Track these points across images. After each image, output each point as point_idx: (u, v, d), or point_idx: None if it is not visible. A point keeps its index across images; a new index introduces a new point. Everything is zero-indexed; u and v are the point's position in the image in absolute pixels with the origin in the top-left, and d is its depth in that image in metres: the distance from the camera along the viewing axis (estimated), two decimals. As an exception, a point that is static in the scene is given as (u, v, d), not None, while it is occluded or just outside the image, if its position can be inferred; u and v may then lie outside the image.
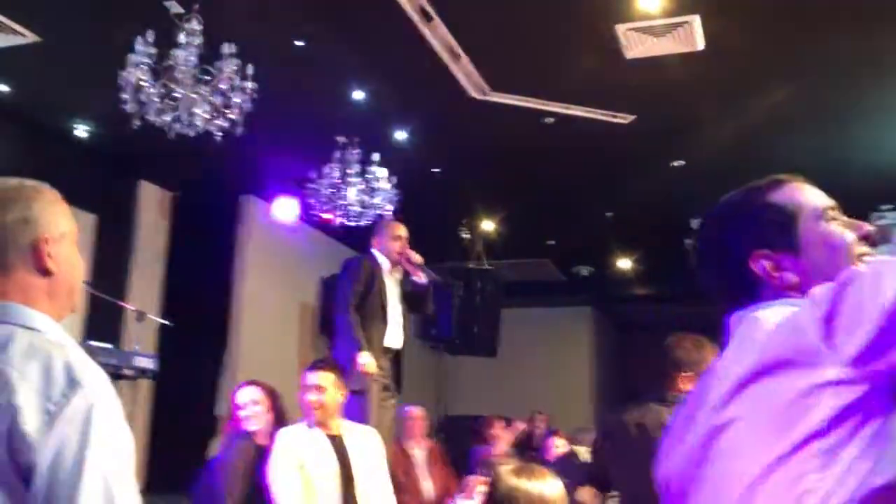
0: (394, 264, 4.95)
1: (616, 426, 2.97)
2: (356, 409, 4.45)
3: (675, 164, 6.83)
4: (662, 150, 6.61)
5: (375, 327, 4.74)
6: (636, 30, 4.77)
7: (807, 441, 0.92)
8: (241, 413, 3.76)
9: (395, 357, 4.92)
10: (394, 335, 4.84)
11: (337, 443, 3.58)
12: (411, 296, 5.06)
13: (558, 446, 6.36)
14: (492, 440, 6.94)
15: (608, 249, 9.57)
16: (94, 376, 1.27)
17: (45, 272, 1.38)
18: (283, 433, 3.55)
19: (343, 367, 4.41)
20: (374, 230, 5.16)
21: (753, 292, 1.20)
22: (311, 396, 3.59)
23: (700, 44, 4.84)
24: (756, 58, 5.11)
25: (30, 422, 1.19)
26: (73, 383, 1.23)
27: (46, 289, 1.39)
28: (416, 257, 4.95)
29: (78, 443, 1.21)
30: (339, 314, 4.76)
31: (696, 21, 4.62)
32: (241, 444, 3.67)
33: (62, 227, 1.43)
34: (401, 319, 4.91)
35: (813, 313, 0.96)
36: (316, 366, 3.75)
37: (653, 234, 8.54)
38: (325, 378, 3.63)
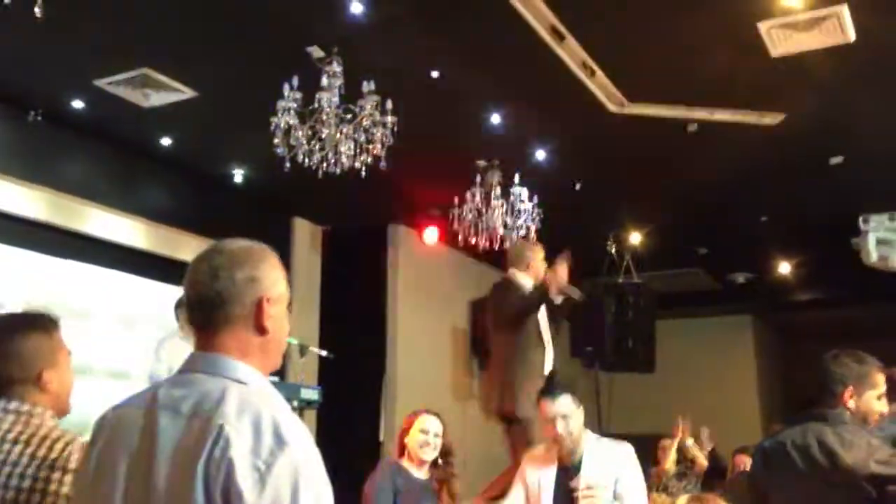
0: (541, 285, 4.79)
1: (775, 450, 2.81)
2: (521, 439, 4.38)
3: (833, 160, 6.46)
4: (817, 148, 6.28)
5: (534, 352, 4.65)
6: (780, 26, 4.57)
7: None
8: (424, 439, 3.72)
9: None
10: (550, 359, 4.76)
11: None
12: (551, 313, 4.92)
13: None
14: (661, 458, 6.78)
15: (766, 255, 9.16)
16: (298, 432, 1.33)
17: (263, 330, 1.46)
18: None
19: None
20: (520, 253, 5.04)
21: None
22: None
23: (851, 35, 4.57)
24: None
25: (244, 479, 1.26)
26: (280, 441, 1.29)
27: (260, 345, 1.46)
28: (561, 272, 4.72)
29: (289, 502, 1.26)
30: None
31: (843, 11, 4.37)
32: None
33: (281, 290, 1.52)
34: (552, 343, 4.83)
35: None
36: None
37: (814, 236, 8.10)
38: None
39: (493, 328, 4.86)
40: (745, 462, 6.18)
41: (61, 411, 2.04)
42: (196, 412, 1.34)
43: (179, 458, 1.31)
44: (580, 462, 3.41)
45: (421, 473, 3.72)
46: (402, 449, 3.79)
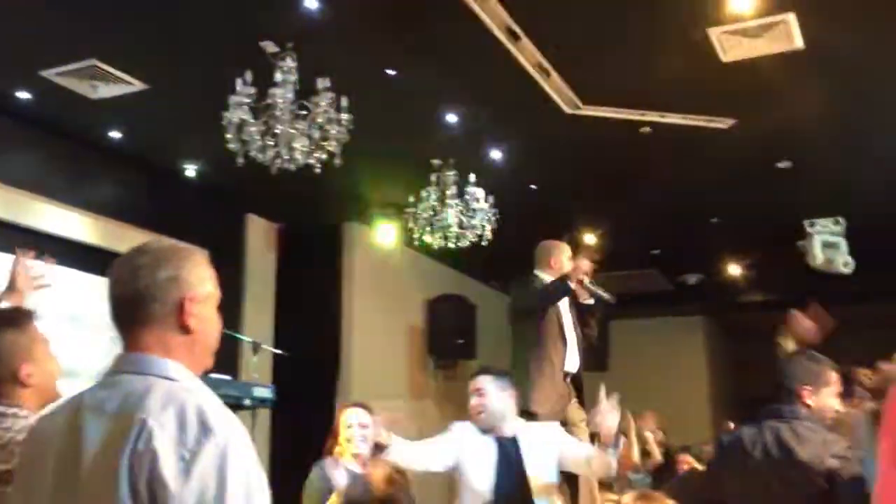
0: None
1: (733, 445, 2.89)
2: None
3: (781, 165, 6.60)
4: (766, 153, 6.40)
5: (554, 348, 4.52)
6: (730, 32, 4.65)
7: None
8: (349, 432, 3.77)
9: (574, 381, 4.65)
10: (572, 358, 4.61)
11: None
12: (579, 316, 4.76)
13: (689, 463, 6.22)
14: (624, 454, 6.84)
15: (716, 256, 9.32)
16: (225, 422, 1.32)
17: (187, 330, 1.45)
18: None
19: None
20: (544, 252, 4.89)
21: None
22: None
23: (798, 42, 4.67)
24: (859, 52, 4.89)
25: (168, 467, 1.25)
26: (206, 430, 1.29)
27: (185, 345, 1.45)
28: (584, 277, 4.55)
29: (216, 490, 1.26)
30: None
31: (791, 19, 4.47)
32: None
33: (208, 289, 1.50)
34: (577, 341, 4.66)
35: None
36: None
37: (763, 238, 8.26)
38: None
39: (515, 325, 4.73)
40: (689, 461, 6.28)
41: (50, 400, 2.02)
42: (120, 410, 1.33)
43: (103, 455, 1.30)
44: (514, 437, 3.56)
45: (359, 468, 3.73)
46: (336, 444, 3.82)
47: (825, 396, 2.79)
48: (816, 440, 2.65)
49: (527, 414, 4.38)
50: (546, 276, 4.73)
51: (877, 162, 6.49)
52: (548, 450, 3.58)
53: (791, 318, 3.53)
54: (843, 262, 7.16)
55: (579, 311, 4.71)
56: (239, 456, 1.30)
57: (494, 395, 3.58)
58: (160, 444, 1.26)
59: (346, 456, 3.77)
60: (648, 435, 6.69)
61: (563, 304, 4.61)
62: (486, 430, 3.56)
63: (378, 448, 3.36)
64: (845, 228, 7.53)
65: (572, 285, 4.42)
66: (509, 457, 3.50)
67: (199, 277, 1.49)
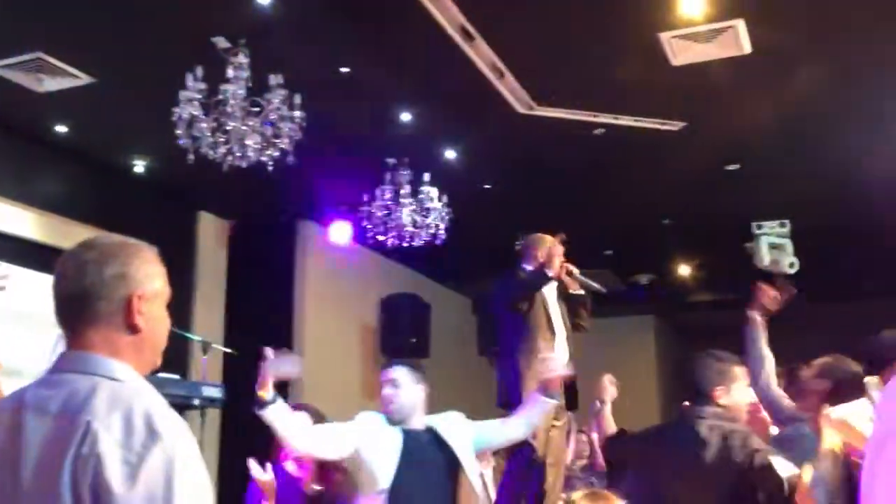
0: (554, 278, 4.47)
1: (646, 439, 3.03)
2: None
3: (730, 167, 6.72)
4: (716, 155, 6.52)
5: (543, 340, 4.39)
6: (681, 37, 4.72)
7: None
8: None
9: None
10: (561, 350, 4.48)
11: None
12: (568, 308, 4.68)
13: None
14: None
15: (668, 257, 9.46)
16: (173, 425, 1.29)
17: (134, 328, 1.41)
18: None
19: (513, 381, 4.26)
20: (528, 244, 4.79)
21: None
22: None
23: (746, 47, 4.76)
24: (804, 56, 5.01)
25: (113, 474, 1.22)
26: (153, 434, 1.26)
27: (132, 344, 1.41)
28: (574, 269, 4.55)
29: (163, 495, 1.23)
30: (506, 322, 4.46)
31: (740, 25, 4.56)
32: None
33: (156, 286, 1.46)
34: (565, 334, 4.58)
35: None
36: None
37: (712, 239, 8.40)
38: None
39: (499, 316, 4.62)
40: None
41: None
42: (63, 411, 1.30)
43: (46, 458, 1.27)
44: (430, 428, 3.49)
45: (302, 471, 3.71)
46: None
47: (737, 393, 2.91)
48: (731, 439, 2.73)
49: (511, 407, 4.33)
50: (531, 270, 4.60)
51: (822, 165, 6.64)
52: (465, 433, 3.52)
53: (758, 289, 3.59)
54: (789, 263, 7.30)
55: (570, 302, 4.64)
56: (186, 461, 1.27)
57: (408, 387, 3.51)
58: (105, 448, 1.23)
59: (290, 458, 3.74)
60: (594, 437, 6.68)
61: (551, 296, 4.52)
62: (393, 422, 3.47)
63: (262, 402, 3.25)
64: (791, 230, 7.69)
65: (550, 273, 4.31)
66: (415, 450, 3.39)
67: (148, 274, 1.45)
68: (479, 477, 3.53)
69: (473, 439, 3.54)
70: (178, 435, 1.29)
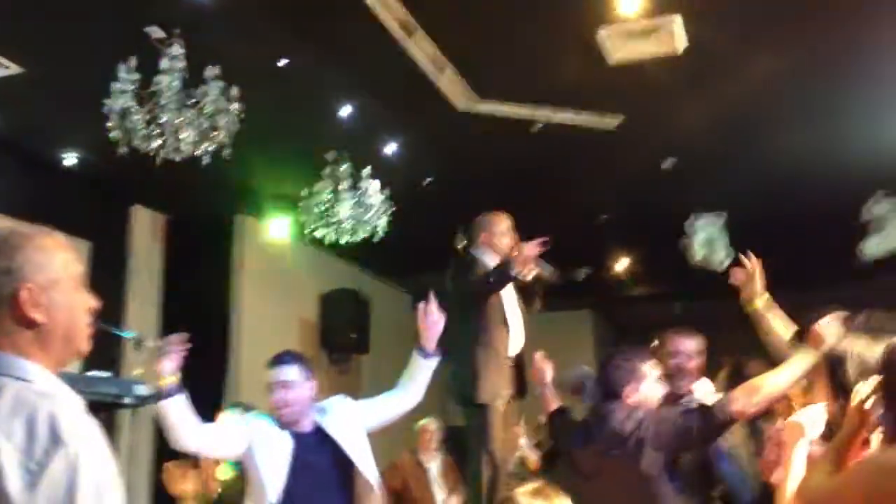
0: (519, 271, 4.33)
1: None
2: (479, 423, 4.19)
3: (667, 163, 6.83)
4: (652, 151, 6.62)
5: (498, 333, 4.31)
6: (617, 33, 4.78)
7: None
8: None
9: (518, 363, 4.47)
10: (516, 340, 4.42)
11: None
12: (521, 292, 4.56)
13: None
14: None
15: (605, 252, 9.57)
16: (78, 431, 1.24)
17: (30, 323, 1.35)
18: None
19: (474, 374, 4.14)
20: (478, 227, 4.66)
21: None
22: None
23: (682, 44, 4.84)
24: (738, 53, 5.12)
25: (12, 482, 1.17)
26: (56, 440, 1.21)
27: (35, 339, 1.35)
28: (528, 250, 4.32)
29: None
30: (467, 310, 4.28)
31: (676, 22, 4.63)
32: None
33: (53, 274, 1.39)
34: (520, 322, 4.48)
35: None
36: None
37: (649, 235, 8.53)
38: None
39: (452, 311, 4.40)
40: None
41: None
42: None
43: None
44: (318, 427, 3.35)
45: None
46: None
47: (646, 390, 2.98)
48: (665, 420, 2.82)
49: (471, 405, 4.26)
50: (485, 257, 4.48)
51: (756, 162, 6.80)
52: (352, 421, 3.40)
53: (733, 272, 3.52)
54: (723, 258, 7.48)
55: (523, 287, 4.51)
56: (91, 469, 1.22)
57: (300, 386, 3.37)
58: (5, 456, 1.18)
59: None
60: (522, 441, 6.59)
61: (507, 287, 4.39)
62: (284, 426, 3.31)
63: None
64: (725, 225, 7.87)
65: (513, 273, 4.18)
66: (306, 455, 3.26)
67: (39, 264, 1.38)
68: (375, 467, 3.39)
69: (364, 423, 3.39)
70: (84, 440, 1.24)
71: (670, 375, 3.29)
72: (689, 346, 3.41)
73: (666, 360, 3.31)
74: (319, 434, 3.33)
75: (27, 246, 1.38)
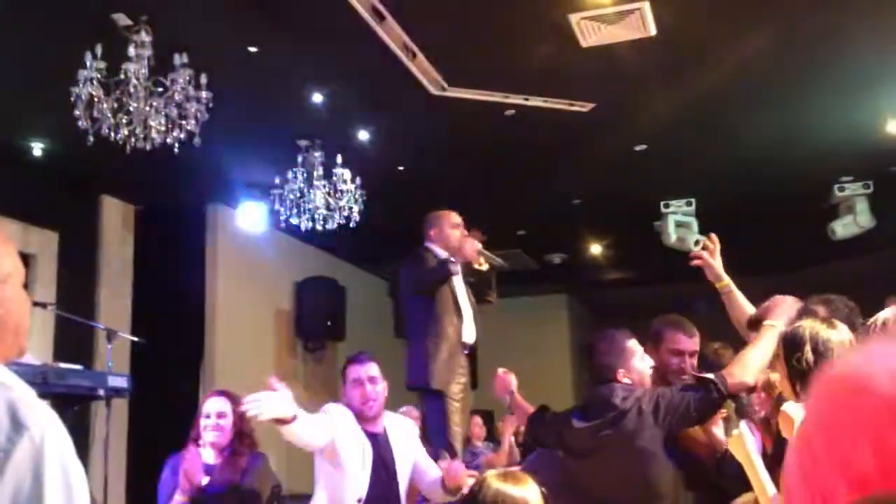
0: (454, 255, 4.46)
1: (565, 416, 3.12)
2: (436, 411, 4.29)
3: (638, 148, 6.87)
4: (624, 136, 6.64)
5: (450, 322, 4.41)
6: (589, 18, 4.78)
7: None
8: (205, 423, 3.63)
9: (472, 353, 4.58)
10: (469, 329, 4.52)
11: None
12: (474, 285, 4.69)
13: None
14: (472, 437, 6.90)
15: (579, 236, 9.63)
16: (39, 416, 1.24)
17: None
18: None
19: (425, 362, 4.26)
20: (429, 222, 4.77)
21: None
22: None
23: (652, 29, 4.86)
24: (708, 39, 5.15)
25: None
26: (18, 426, 1.20)
27: None
28: (479, 245, 4.51)
29: (31, 489, 1.18)
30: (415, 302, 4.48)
31: (646, 7, 4.64)
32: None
33: (7, 268, 1.38)
34: (472, 313, 4.57)
35: None
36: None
37: (622, 219, 8.60)
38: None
39: (406, 300, 4.65)
40: None
41: None
42: None
43: None
44: (384, 430, 3.46)
45: (216, 459, 3.63)
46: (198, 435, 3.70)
47: (636, 367, 3.00)
48: (642, 402, 2.85)
49: (423, 390, 4.38)
50: (437, 249, 4.62)
51: (725, 145, 6.86)
52: (410, 447, 3.54)
53: (693, 255, 3.51)
54: (695, 241, 7.56)
55: (476, 279, 4.65)
56: (56, 452, 1.22)
57: (383, 382, 3.49)
58: None
59: (205, 445, 3.66)
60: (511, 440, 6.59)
61: (457, 277, 4.50)
62: (362, 420, 3.38)
63: (280, 423, 3.09)
64: (696, 209, 7.95)
65: (454, 269, 4.32)
66: (383, 456, 3.36)
67: None
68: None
69: (412, 454, 3.54)
70: (47, 425, 1.23)
71: (666, 373, 3.26)
72: (690, 345, 3.35)
73: (665, 357, 3.28)
74: (386, 436, 3.44)
75: None
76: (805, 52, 5.33)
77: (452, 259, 4.37)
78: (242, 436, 3.62)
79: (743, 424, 2.52)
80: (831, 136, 6.65)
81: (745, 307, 3.22)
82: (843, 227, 7.62)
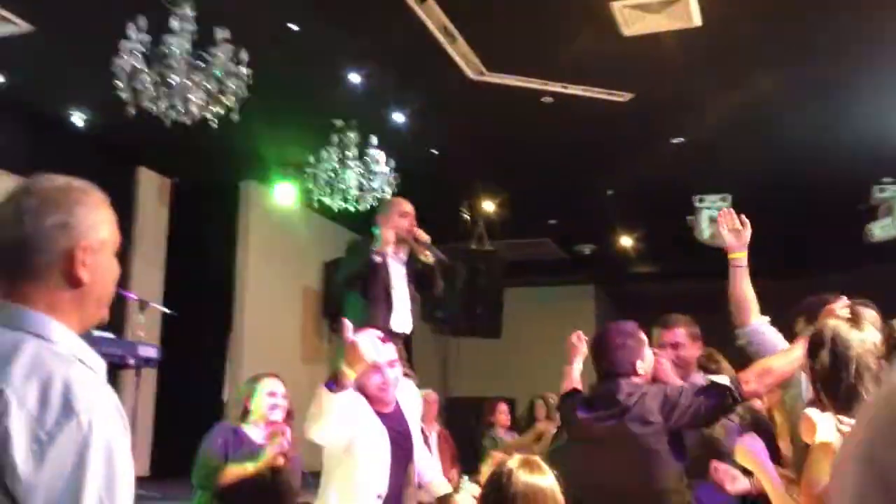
0: (400, 243, 4.54)
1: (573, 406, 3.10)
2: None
3: (675, 140, 6.80)
4: (662, 127, 6.58)
5: (379, 310, 4.42)
6: (633, 6, 4.73)
7: None
8: (272, 402, 3.66)
9: (404, 342, 4.58)
10: (400, 318, 4.52)
11: None
12: (418, 276, 4.70)
13: None
14: (496, 424, 6.93)
15: (610, 227, 9.56)
16: (92, 400, 1.18)
17: (77, 282, 1.29)
18: None
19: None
20: (380, 209, 4.86)
21: None
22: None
23: (697, 20, 4.79)
24: (754, 32, 5.07)
25: (19, 451, 1.12)
26: (68, 410, 1.15)
27: (74, 299, 1.29)
28: (424, 235, 4.59)
29: (71, 479, 1.13)
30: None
31: (692, -3, 4.59)
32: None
33: (103, 235, 1.34)
34: (408, 302, 4.58)
35: None
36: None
37: (654, 212, 8.52)
38: None
39: (341, 290, 4.64)
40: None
41: None
42: None
43: None
44: (396, 407, 3.31)
45: (261, 437, 3.66)
46: (246, 413, 3.71)
47: (648, 356, 2.97)
48: (647, 397, 2.83)
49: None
50: (383, 236, 4.61)
51: (765, 142, 6.76)
52: (415, 411, 3.53)
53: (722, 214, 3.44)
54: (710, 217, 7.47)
55: (417, 270, 4.65)
56: (102, 443, 1.16)
57: (400, 367, 3.39)
58: (15, 422, 1.13)
59: (251, 424, 3.67)
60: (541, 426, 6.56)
61: (395, 268, 4.51)
62: (375, 403, 3.20)
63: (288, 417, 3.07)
64: (731, 204, 7.84)
65: (377, 259, 4.33)
66: (398, 439, 3.17)
67: (94, 222, 1.32)
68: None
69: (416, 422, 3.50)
70: (98, 413, 1.18)
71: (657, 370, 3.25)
72: (670, 337, 3.33)
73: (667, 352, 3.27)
74: (400, 411, 3.31)
75: (85, 202, 1.33)
76: (852, 52, 5.24)
77: (384, 252, 4.39)
78: (290, 416, 3.69)
79: (810, 410, 2.41)
80: (874, 137, 6.53)
81: (749, 288, 3.19)
82: (881, 229, 7.48)
